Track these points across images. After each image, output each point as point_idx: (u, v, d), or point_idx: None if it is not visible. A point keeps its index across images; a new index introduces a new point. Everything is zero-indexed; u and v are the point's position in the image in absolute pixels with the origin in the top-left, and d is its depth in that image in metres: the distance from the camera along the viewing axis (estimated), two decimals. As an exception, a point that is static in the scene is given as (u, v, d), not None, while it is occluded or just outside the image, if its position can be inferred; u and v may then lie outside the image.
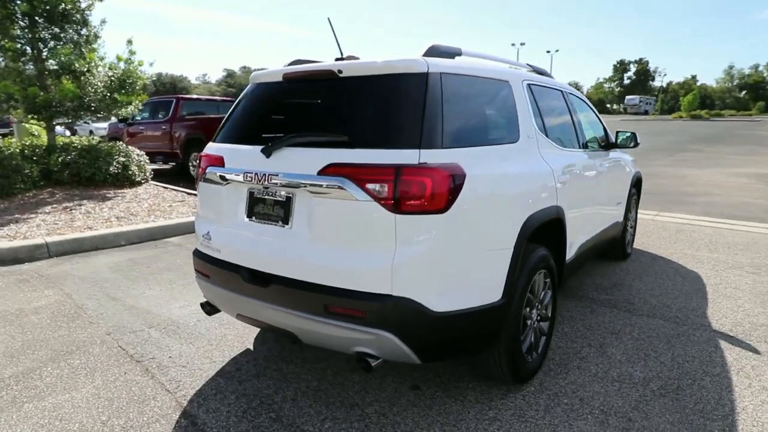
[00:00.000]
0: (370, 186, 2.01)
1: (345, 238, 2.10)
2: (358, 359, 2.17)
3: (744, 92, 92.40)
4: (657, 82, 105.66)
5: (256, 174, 2.33)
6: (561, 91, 3.60)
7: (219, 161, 2.56)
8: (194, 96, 12.71)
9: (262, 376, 2.83)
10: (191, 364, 2.97)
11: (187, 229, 6.36)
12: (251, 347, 3.18)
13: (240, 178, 2.41)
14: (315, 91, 2.43)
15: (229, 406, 2.53)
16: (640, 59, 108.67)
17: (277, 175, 2.25)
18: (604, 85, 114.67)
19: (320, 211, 2.15)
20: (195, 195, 8.45)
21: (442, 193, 1.99)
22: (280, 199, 2.31)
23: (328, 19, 2.72)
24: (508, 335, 2.42)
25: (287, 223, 2.29)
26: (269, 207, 2.35)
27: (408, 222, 1.99)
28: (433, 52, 2.38)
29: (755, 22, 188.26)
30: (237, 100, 2.83)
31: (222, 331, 3.41)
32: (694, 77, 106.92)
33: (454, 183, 2.03)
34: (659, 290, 4.22)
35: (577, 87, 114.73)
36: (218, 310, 2.85)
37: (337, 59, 2.63)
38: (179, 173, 11.87)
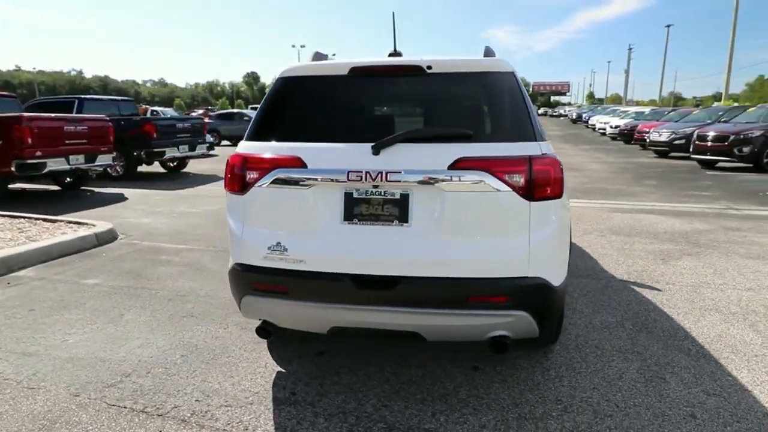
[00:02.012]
0: (507, 177, 2.14)
1: (481, 229, 2.18)
2: (492, 344, 2.27)
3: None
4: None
5: (367, 173, 2.18)
6: None
7: (295, 162, 2.28)
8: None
9: (326, 393, 2.62)
10: (233, 401, 2.55)
11: (39, 257, 5.03)
12: (279, 369, 2.87)
13: (341, 177, 2.21)
14: (397, 86, 2.39)
15: (329, 430, 2.31)
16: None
17: (398, 173, 2.16)
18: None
19: (454, 205, 2.17)
20: (6, 216, 6.60)
21: (558, 180, 2.25)
22: (392, 197, 2.22)
23: (393, 13, 2.64)
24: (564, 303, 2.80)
25: (406, 222, 2.22)
26: (377, 207, 2.23)
27: (539, 208, 2.20)
28: (490, 52, 2.58)
29: (481, 39, 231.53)
30: (275, 95, 2.50)
31: (227, 360, 2.97)
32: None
33: (562, 171, 2.30)
34: (559, 256, 5.18)
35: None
36: (274, 331, 2.51)
37: (390, 54, 2.60)
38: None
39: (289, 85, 2.52)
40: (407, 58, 2.51)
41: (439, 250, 2.19)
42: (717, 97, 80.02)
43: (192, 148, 12.25)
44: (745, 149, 11.76)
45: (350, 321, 2.31)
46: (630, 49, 55.72)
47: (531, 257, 2.19)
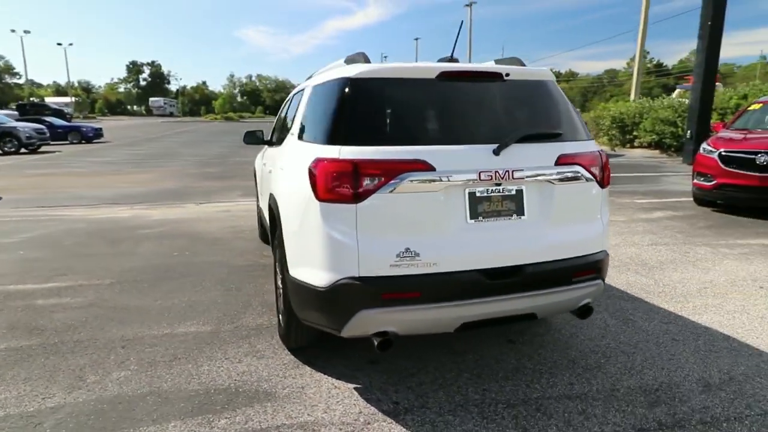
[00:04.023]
0: (593, 169, 2.58)
1: (578, 214, 2.58)
2: (581, 312, 2.67)
3: (245, 97, 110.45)
4: (173, 86, 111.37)
5: (496, 172, 2.33)
6: None
7: (422, 165, 2.24)
8: None
9: (424, 394, 2.65)
10: (347, 427, 2.38)
11: None
12: (354, 385, 2.74)
13: (472, 177, 2.30)
14: (478, 91, 2.57)
15: (465, 423, 2.39)
16: (153, 62, 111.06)
17: (521, 170, 2.37)
18: (120, 85, 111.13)
19: (560, 196, 2.51)
20: None
21: (609, 169, 2.78)
22: (509, 193, 2.41)
23: (462, 21, 2.69)
24: None
25: (523, 214, 2.44)
26: (497, 203, 2.39)
27: (604, 194, 2.71)
28: (522, 62, 2.96)
29: (234, 38, 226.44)
30: (359, 97, 2.37)
31: (287, 391, 2.67)
32: (204, 83, 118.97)
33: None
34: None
35: (89, 86, 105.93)
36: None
37: (446, 60, 2.74)
38: None
39: (375, 86, 2.42)
40: (490, 65, 2.70)
41: (550, 237, 2.50)
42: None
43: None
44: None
45: (481, 314, 2.41)
46: (385, 57, 62.57)
47: (604, 234, 2.69)
